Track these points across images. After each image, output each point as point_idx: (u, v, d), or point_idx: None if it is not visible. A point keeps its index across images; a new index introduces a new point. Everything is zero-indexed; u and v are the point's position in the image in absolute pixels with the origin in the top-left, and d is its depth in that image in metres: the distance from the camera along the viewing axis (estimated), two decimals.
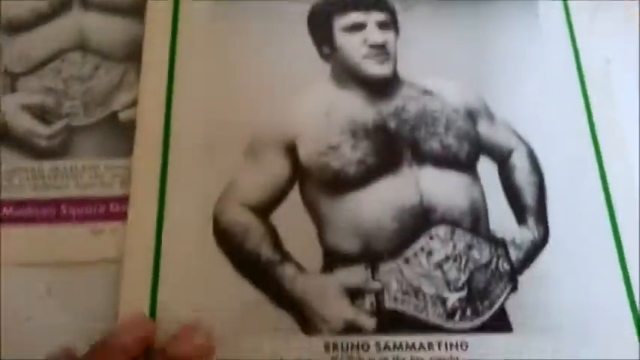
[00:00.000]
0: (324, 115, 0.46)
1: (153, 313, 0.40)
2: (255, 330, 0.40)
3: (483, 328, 0.41)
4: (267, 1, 0.50)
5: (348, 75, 0.48)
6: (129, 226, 0.43)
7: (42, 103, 0.48)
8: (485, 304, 0.41)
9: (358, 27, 0.48)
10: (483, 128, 0.47)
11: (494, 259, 0.43)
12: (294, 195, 0.44)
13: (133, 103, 0.47)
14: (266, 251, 0.42)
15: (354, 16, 0.48)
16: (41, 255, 0.43)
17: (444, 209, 0.43)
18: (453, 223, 0.43)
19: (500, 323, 0.41)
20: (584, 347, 0.41)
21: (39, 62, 0.49)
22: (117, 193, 0.44)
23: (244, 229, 0.42)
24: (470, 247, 0.43)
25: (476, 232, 0.43)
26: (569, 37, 0.51)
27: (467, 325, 0.41)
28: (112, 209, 0.44)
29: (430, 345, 0.40)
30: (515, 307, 0.42)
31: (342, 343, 0.40)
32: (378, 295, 0.41)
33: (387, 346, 0.40)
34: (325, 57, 0.48)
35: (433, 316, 0.41)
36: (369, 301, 0.41)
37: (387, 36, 0.48)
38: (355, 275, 0.42)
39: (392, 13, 0.50)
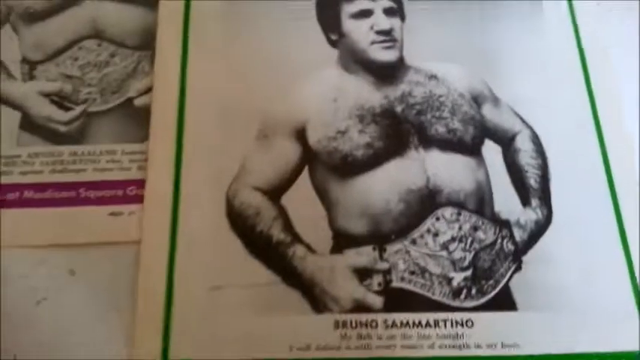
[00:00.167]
0: (332, 100, 0.46)
1: (169, 291, 0.41)
2: (266, 309, 0.41)
3: (488, 307, 0.41)
4: None
5: (355, 61, 0.48)
6: (146, 209, 0.44)
7: (60, 89, 0.49)
8: (490, 284, 0.42)
9: (365, 13, 0.48)
10: (488, 112, 0.48)
11: (499, 240, 0.43)
12: (304, 178, 0.45)
13: (148, 90, 0.48)
14: (277, 233, 0.42)
15: (361, 3, 0.48)
16: (62, 237, 0.44)
17: (449, 191, 0.44)
18: (459, 205, 0.43)
19: (504, 302, 0.42)
20: (587, 325, 0.41)
21: (56, 50, 0.49)
22: (134, 176, 0.45)
23: (256, 211, 0.43)
24: (475, 228, 0.43)
25: (481, 214, 0.44)
26: (572, 22, 0.51)
27: (472, 303, 0.41)
28: (129, 192, 0.45)
29: (436, 322, 0.41)
30: (519, 286, 0.42)
31: (350, 321, 0.41)
32: (386, 274, 0.42)
33: (394, 324, 0.41)
34: (333, 43, 0.49)
35: (439, 294, 0.41)
36: (376, 280, 0.42)
37: (394, 22, 0.48)
38: (363, 256, 0.42)
39: (398, 0, 0.50)
